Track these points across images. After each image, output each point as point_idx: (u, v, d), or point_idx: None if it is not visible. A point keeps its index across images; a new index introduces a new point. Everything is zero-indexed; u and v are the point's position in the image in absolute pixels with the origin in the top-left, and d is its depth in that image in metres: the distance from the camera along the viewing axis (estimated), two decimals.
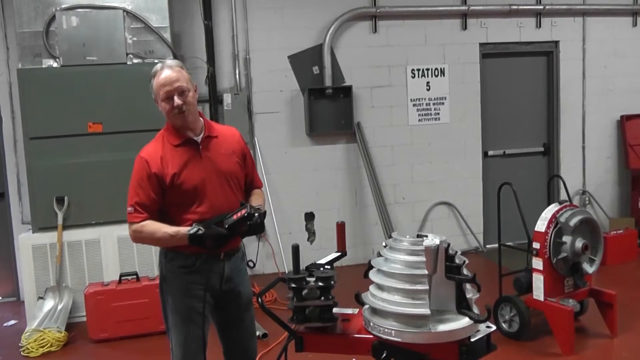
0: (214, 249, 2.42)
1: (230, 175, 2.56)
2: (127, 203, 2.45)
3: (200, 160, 2.50)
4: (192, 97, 2.49)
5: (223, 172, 2.53)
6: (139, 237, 2.47)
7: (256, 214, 2.39)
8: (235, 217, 2.37)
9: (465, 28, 6.35)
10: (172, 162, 2.46)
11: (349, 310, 2.27)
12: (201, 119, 2.58)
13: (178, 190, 2.45)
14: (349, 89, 5.97)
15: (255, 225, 2.40)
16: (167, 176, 2.43)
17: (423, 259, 1.97)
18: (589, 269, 3.96)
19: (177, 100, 2.43)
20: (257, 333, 3.56)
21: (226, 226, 2.38)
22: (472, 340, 1.97)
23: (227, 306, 2.63)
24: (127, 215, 2.45)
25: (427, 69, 6.30)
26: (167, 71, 2.46)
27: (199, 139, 2.53)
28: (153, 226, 2.42)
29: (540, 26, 6.55)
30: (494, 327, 2.06)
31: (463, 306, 1.98)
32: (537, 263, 3.83)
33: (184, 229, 2.38)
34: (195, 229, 2.36)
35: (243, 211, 2.37)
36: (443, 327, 1.94)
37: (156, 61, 4.86)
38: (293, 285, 2.10)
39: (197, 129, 2.54)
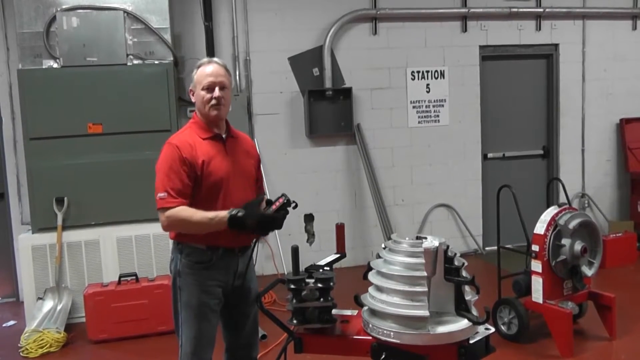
0: (256, 232, 2.42)
1: (248, 174, 2.64)
2: (156, 190, 2.43)
3: (225, 155, 2.57)
4: (228, 96, 2.59)
5: (243, 170, 2.61)
6: (173, 222, 2.42)
7: (292, 201, 2.45)
8: (274, 206, 2.41)
9: (465, 30, 6.36)
10: (201, 151, 2.49)
11: (348, 312, 2.27)
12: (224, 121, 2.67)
13: (206, 181, 2.47)
14: (348, 91, 5.98)
15: (283, 218, 2.44)
16: (197, 163, 2.45)
17: (422, 260, 1.98)
18: (588, 271, 3.96)
19: (217, 92, 2.51)
20: None
21: (266, 213, 2.40)
22: (471, 342, 1.98)
23: (238, 302, 2.66)
24: (158, 202, 2.41)
25: (427, 71, 6.31)
26: (215, 65, 2.57)
27: (224, 136, 2.61)
28: (189, 211, 2.40)
29: (540, 29, 6.56)
30: (492, 329, 2.06)
31: (462, 308, 1.98)
32: (536, 265, 3.83)
33: (222, 212, 2.38)
34: (235, 211, 2.36)
35: (281, 200, 2.42)
36: (442, 329, 1.95)
37: (156, 62, 4.93)
38: (292, 286, 2.10)
39: (222, 127, 2.63)
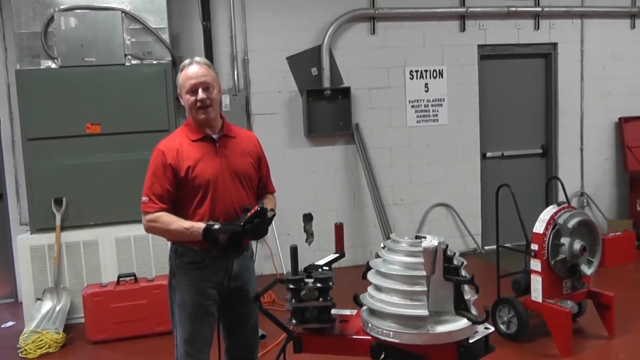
0: (227, 248, 2.45)
1: (243, 174, 2.61)
2: (142, 193, 2.49)
3: (215, 157, 2.54)
4: (215, 94, 2.55)
5: (236, 170, 2.58)
6: (152, 227, 2.49)
7: (269, 210, 2.46)
8: (249, 214, 2.42)
9: (464, 30, 6.36)
10: (188, 155, 2.50)
11: (347, 312, 2.27)
12: (221, 119, 2.64)
13: (191, 183, 2.48)
14: (347, 90, 5.97)
15: (263, 225, 2.45)
16: (181, 168, 2.47)
17: (421, 260, 1.97)
18: (587, 270, 3.96)
19: (201, 94, 2.49)
20: None
21: (241, 223, 2.42)
22: (471, 341, 1.97)
23: (235, 304, 2.65)
24: (142, 205, 2.48)
25: (426, 71, 6.31)
26: (195, 66, 2.53)
27: (216, 137, 2.58)
28: (168, 218, 2.45)
29: (538, 28, 6.56)
30: (492, 329, 2.05)
31: (461, 307, 1.97)
32: (535, 264, 3.82)
33: (198, 224, 2.42)
34: (211, 223, 2.41)
35: (256, 207, 2.43)
36: (441, 329, 1.94)
37: (154, 62, 4.93)
38: (291, 286, 2.10)
39: (216, 127, 2.60)
